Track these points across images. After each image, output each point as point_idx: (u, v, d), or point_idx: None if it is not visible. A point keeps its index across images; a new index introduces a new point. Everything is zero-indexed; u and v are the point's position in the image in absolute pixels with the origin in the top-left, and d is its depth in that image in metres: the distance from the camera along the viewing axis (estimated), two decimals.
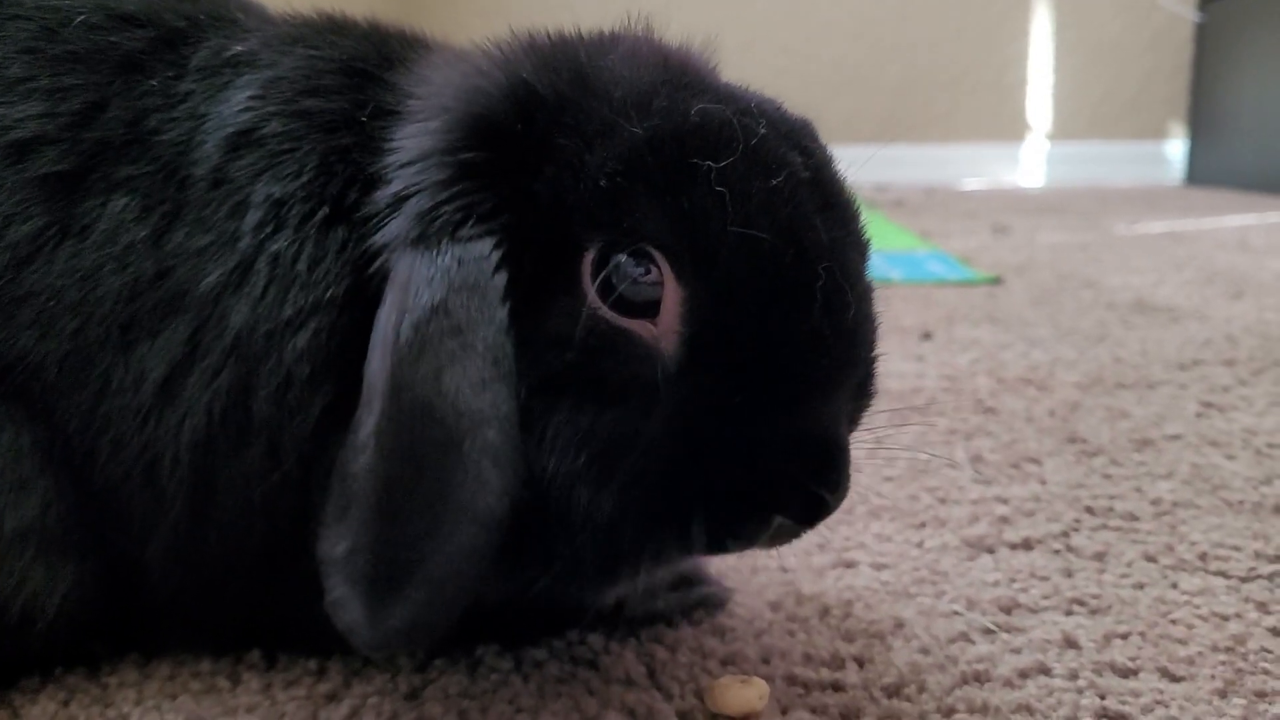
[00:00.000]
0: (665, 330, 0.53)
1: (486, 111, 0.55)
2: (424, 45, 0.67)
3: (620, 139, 0.53)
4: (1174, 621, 0.72)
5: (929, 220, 3.37)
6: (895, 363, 1.47)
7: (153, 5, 0.64)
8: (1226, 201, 3.93)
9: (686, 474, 0.53)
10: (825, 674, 0.66)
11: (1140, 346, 1.55)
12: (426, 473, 0.50)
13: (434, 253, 0.52)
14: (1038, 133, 5.19)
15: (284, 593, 0.63)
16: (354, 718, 0.62)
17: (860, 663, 0.68)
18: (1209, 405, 1.24)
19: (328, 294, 0.56)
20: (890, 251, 2.58)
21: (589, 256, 0.53)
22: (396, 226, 0.54)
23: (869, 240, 0.61)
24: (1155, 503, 0.94)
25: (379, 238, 0.55)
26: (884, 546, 0.86)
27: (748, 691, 0.62)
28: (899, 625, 0.72)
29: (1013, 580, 0.79)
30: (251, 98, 0.60)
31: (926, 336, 1.64)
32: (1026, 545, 0.86)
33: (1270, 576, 0.79)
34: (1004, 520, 0.90)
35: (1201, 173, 4.76)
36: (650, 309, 0.53)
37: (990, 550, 0.85)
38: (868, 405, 0.62)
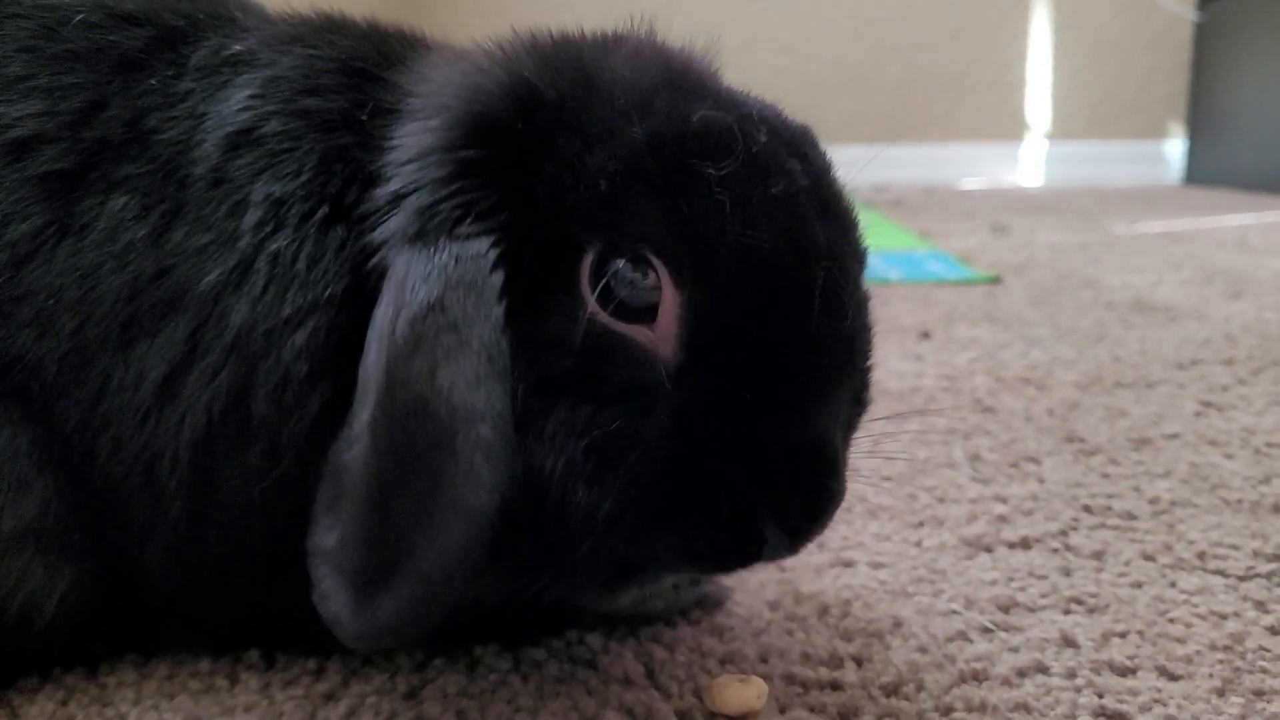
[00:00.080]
0: (663, 335, 0.53)
1: (487, 110, 0.55)
2: (423, 44, 0.67)
3: (621, 141, 0.53)
4: (1172, 620, 0.72)
5: (928, 220, 3.37)
6: (894, 362, 1.47)
7: (152, 4, 0.64)
8: (1225, 201, 3.93)
9: (683, 477, 0.53)
10: (823, 673, 0.66)
11: (1139, 346, 1.55)
12: (419, 467, 0.50)
13: (431, 249, 0.52)
14: (1037, 132, 5.19)
15: (283, 592, 0.63)
16: (352, 717, 0.62)
17: (858, 661, 0.68)
18: (1207, 404, 1.24)
19: (326, 292, 0.56)
20: (889, 251, 2.58)
21: (588, 259, 0.53)
22: (395, 223, 0.54)
23: (866, 248, 0.62)
24: (1153, 502, 0.94)
25: (377, 234, 0.55)
26: (882, 546, 0.86)
27: (746, 690, 0.62)
28: (897, 624, 0.72)
29: (1011, 579, 0.79)
30: (251, 97, 0.60)
31: (925, 336, 1.64)
32: (1025, 544, 0.86)
33: (1268, 575, 0.79)
34: (1002, 519, 0.90)
35: (1201, 172, 4.76)
36: (648, 313, 0.53)
37: (988, 549, 0.85)
38: (863, 413, 0.62)
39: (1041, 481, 1.00)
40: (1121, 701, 0.62)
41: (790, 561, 0.82)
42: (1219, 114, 4.57)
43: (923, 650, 0.69)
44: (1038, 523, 0.90)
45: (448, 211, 0.53)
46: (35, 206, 0.58)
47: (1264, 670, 0.66)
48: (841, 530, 0.88)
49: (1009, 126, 5.19)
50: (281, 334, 0.56)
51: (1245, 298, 1.91)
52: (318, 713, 0.62)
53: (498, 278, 0.52)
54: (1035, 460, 1.05)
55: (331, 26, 0.66)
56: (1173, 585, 0.78)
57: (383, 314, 0.52)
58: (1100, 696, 0.63)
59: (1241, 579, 0.79)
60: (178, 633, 0.68)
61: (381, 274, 0.54)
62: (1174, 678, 0.65)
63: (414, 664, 0.68)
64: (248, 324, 0.56)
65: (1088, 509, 0.93)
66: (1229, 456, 1.05)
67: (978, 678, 0.65)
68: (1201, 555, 0.83)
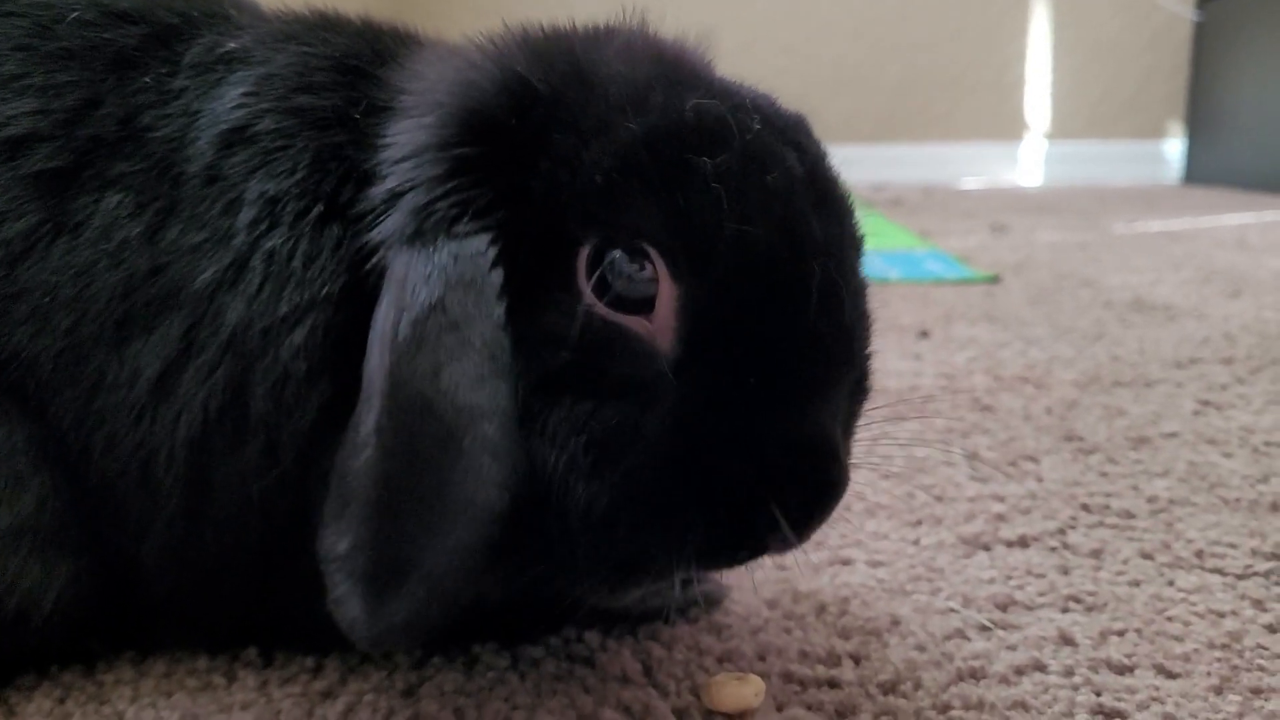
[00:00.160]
0: (661, 327, 0.53)
1: (481, 106, 0.55)
2: (416, 41, 0.67)
3: (615, 135, 0.53)
4: (1170, 619, 0.72)
5: (927, 219, 3.37)
6: (893, 361, 1.47)
7: (146, 2, 0.64)
8: (1224, 200, 3.93)
9: (683, 468, 0.53)
10: (821, 671, 0.66)
11: (1138, 345, 1.55)
12: (426, 469, 0.50)
13: (430, 249, 0.52)
14: (1036, 132, 5.19)
15: (281, 590, 0.63)
16: (350, 715, 0.62)
17: (856, 660, 0.68)
18: (1206, 403, 1.24)
19: (323, 291, 0.56)
20: (889, 250, 2.58)
21: (584, 253, 0.53)
22: (392, 223, 0.54)
23: (863, 236, 0.62)
24: (1152, 500, 0.94)
25: (375, 234, 0.54)
26: (880, 544, 0.86)
27: (744, 689, 0.62)
28: (895, 622, 0.72)
29: (1009, 578, 0.79)
30: (245, 94, 0.60)
31: (924, 335, 1.64)
32: (1023, 543, 0.85)
33: (1266, 574, 0.79)
34: (1000, 518, 0.90)
35: (1200, 172, 4.76)
36: (645, 305, 0.53)
37: (986, 548, 0.85)
38: (863, 402, 0.62)
39: (1040, 480, 1.00)
40: (1119, 700, 0.62)
41: (788, 559, 0.82)
42: (1218, 113, 4.57)
43: (920, 648, 0.69)
44: (1036, 521, 0.90)
45: (444, 210, 0.53)
46: (30, 205, 0.58)
47: (1262, 668, 0.66)
48: (840, 528, 0.88)
49: (1008, 126, 5.19)
50: (279, 332, 0.56)
51: (1244, 297, 1.91)
52: (315, 710, 0.62)
53: (497, 275, 0.52)
54: (1034, 459, 1.05)
55: (326, 24, 0.66)
56: (1171, 584, 0.78)
57: (384, 316, 0.52)
58: (1098, 694, 0.63)
59: (1239, 577, 0.79)
60: (175, 630, 0.68)
61: (380, 274, 0.54)
62: (1172, 676, 0.65)
63: (412, 662, 0.68)
64: (244, 322, 0.56)
65: (1086, 507, 0.93)
66: (1227, 455, 1.05)
67: (975, 676, 0.65)
68: (1199, 554, 0.83)
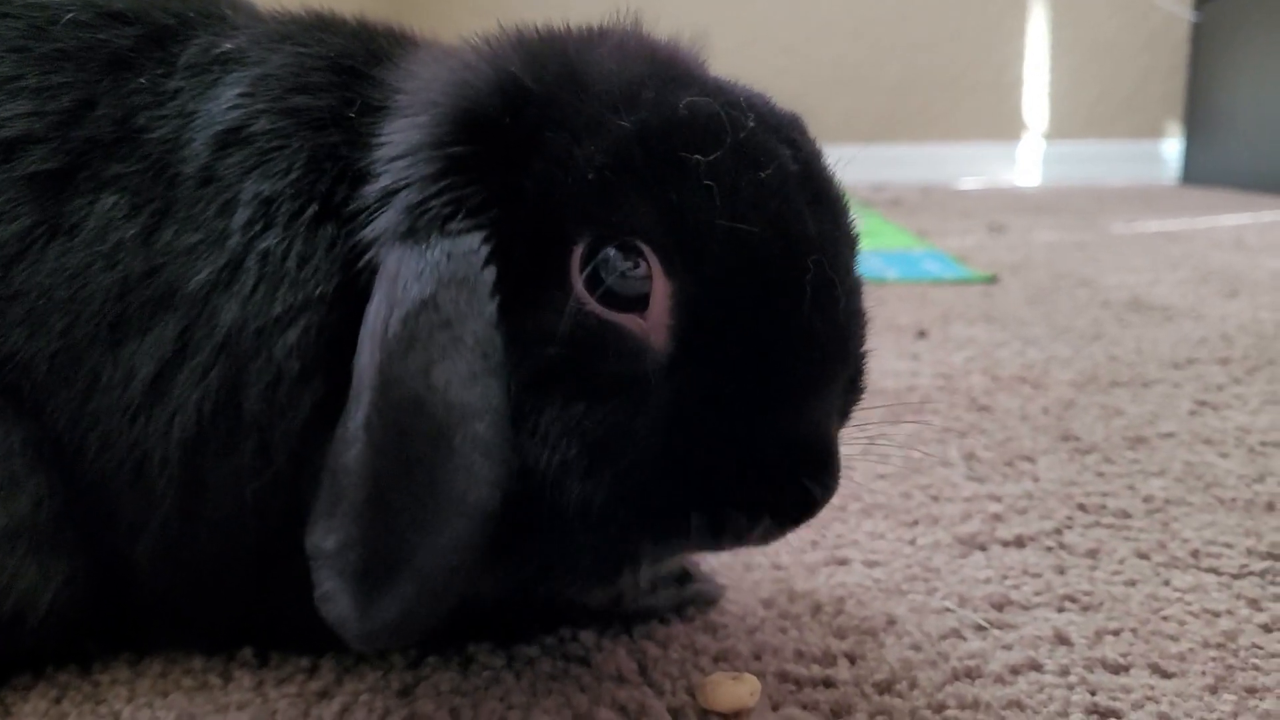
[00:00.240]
0: (654, 324, 0.53)
1: (474, 106, 0.55)
2: (411, 42, 0.67)
3: (608, 133, 0.53)
4: (1165, 618, 0.72)
5: (925, 219, 3.37)
6: (890, 361, 1.47)
7: (141, 3, 0.64)
8: (1222, 200, 3.93)
9: (677, 466, 0.53)
10: (817, 670, 0.66)
11: (1135, 345, 1.55)
12: (416, 466, 0.50)
13: (423, 246, 0.52)
14: (1034, 132, 5.19)
15: (276, 591, 0.63)
16: (346, 715, 0.62)
17: (852, 659, 0.68)
18: (1203, 403, 1.24)
19: (317, 291, 0.56)
20: (886, 250, 2.58)
21: (578, 250, 0.53)
22: (385, 220, 0.54)
23: (858, 234, 0.62)
24: (1148, 500, 0.94)
25: (368, 232, 0.55)
26: (876, 544, 0.86)
27: (739, 688, 0.62)
28: (891, 622, 0.72)
29: (1005, 577, 0.79)
30: (240, 95, 0.60)
31: (922, 335, 1.65)
32: (1019, 542, 0.86)
33: (1262, 573, 0.79)
34: (996, 518, 0.90)
35: (1197, 172, 4.77)
36: (639, 303, 0.53)
37: (982, 547, 0.85)
38: (858, 400, 0.62)
39: (1036, 480, 1.00)
40: (1114, 699, 0.62)
41: (784, 559, 0.82)
42: (1216, 114, 4.58)
43: (916, 648, 0.69)
44: (1032, 521, 0.90)
45: (438, 208, 0.53)
46: (24, 207, 0.58)
47: (1257, 668, 0.66)
48: (836, 528, 0.88)
49: (1006, 126, 5.19)
50: (272, 332, 0.56)
51: (1241, 297, 1.92)
52: (311, 710, 0.62)
53: (490, 273, 0.52)
54: (1030, 459, 1.05)
55: (321, 25, 0.66)
56: (1166, 583, 0.78)
57: (375, 312, 0.52)
58: (1093, 694, 0.63)
59: (1235, 577, 0.79)
60: (170, 631, 0.68)
61: (373, 271, 0.54)
62: (1167, 675, 0.65)
63: (407, 661, 0.68)
64: (238, 323, 0.56)
65: (1082, 507, 0.93)
66: (1224, 455, 1.05)
67: (971, 675, 0.65)
68: (1195, 553, 0.83)
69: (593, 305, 0.53)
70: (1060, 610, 0.74)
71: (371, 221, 0.55)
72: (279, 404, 0.56)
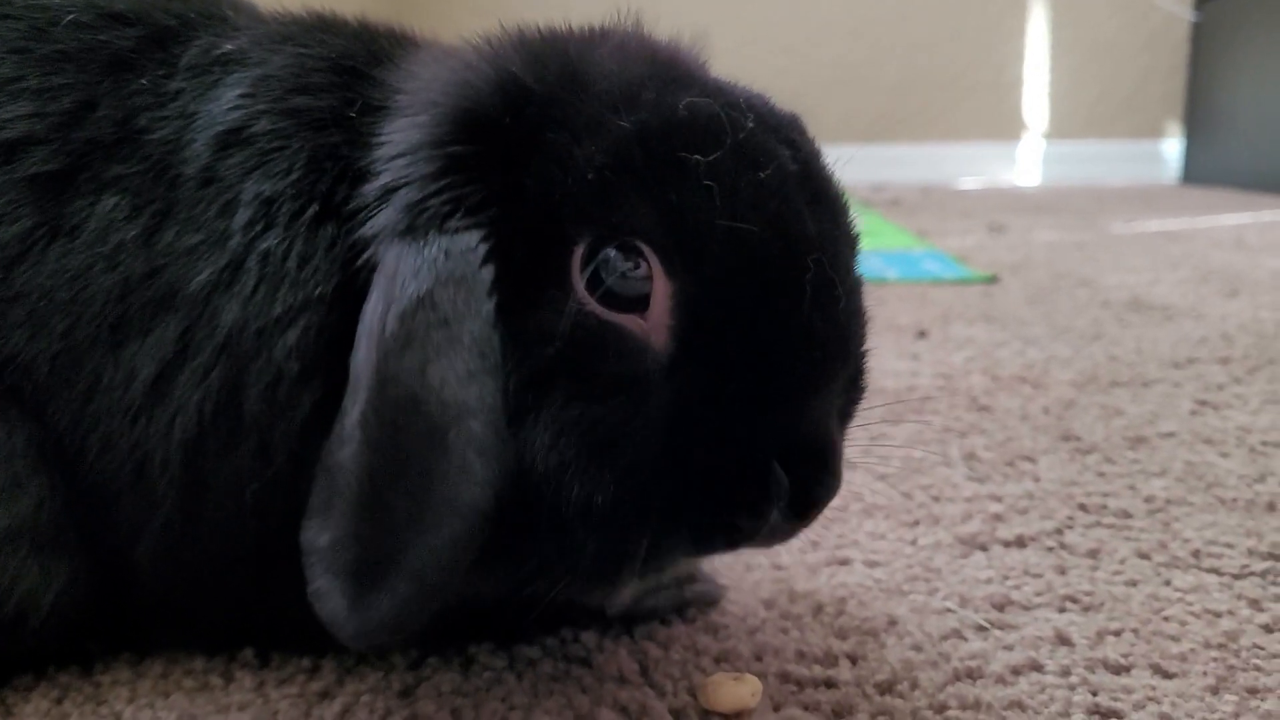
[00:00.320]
0: (655, 324, 0.53)
1: (475, 105, 0.55)
2: (412, 42, 0.67)
3: (609, 133, 0.53)
4: (1167, 618, 0.72)
5: (925, 219, 3.37)
6: (890, 361, 1.47)
7: (143, 4, 0.64)
8: (1222, 200, 3.93)
9: (678, 467, 0.53)
10: (818, 671, 0.66)
11: (1135, 345, 1.55)
12: (411, 464, 0.50)
13: (421, 244, 0.52)
14: (1034, 132, 5.19)
15: (277, 591, 0.63)
16: (347, 715, 0.62)
17: (853, 660, 0.68)
18: (1203, 403, 1.24)
19: (317, 291, 0.56)
20: (886, 250, 2.58)
21: (578, 251, 0.53)
22: (384, 218, 0.54)
23: (858, 234, 0.62)
24: (1149, 500, 0.94)
25: (367, 229, 0.55)
26: (877, 544, 0.86)
27: (741, 689, 0.62)
28: (892, 622, 0.72)
29: (1006, 577, 0.79)
30: (241, 96, 0.60)
31: (922, 335, 1.65)
32: (1020, 543, 0.86)
33: (1263, 574, 0.79)
34: (997, 518, 0.90)
35: (1197, 171, 4.77)
36: (639, 303, 0.53)
37: (983, 548, 0.85)
38: (859, 399, 0.62)
39: (1037, 480, 1.00)
40: (1116, 700, 0.62)
41: (785, 560, 0.82)
42: (1216, 113, 4.58)
43: (917, 648, 0.69)
44: (1033, 521, 0.90)
45: (437, 206, 0.53)
46: (25, 208, 0.58)
47: (1258, 668, 0.66)
48: (837, 529, 0.88)
49: (1006, 126, 5.19)
50: (273, 333, 0.56)
51: (1241, 297, 1.92)
52: (312, 711, 0.62)
53: (488, 272, 0.52)
54: (1031, 459, 1.05)
55: (322, 25, 0.66)
56: (1167, 584, 0.78)
57: (372, 310, 0.52)
58: (1094, 694, 0.63)
59: (1236, 577, 0.79)
60: (171, 631, 0.68)
61: (372, 270, 0.54)
62: (1168, 676, 0.65)
63: (408, 662, 0.68)
64: (239, 323, 0.56)
65: (1083, 507, 0.93)
66: (1224, 455, 1.05)
67: (972, 676, 0.65)
68: (1196, 554, 0.83)
69: (593, 306, 0.53)
70: (1061, 610, 0.74)
71: (370, 220, 0.55)
72: (279, 404, 0.56)
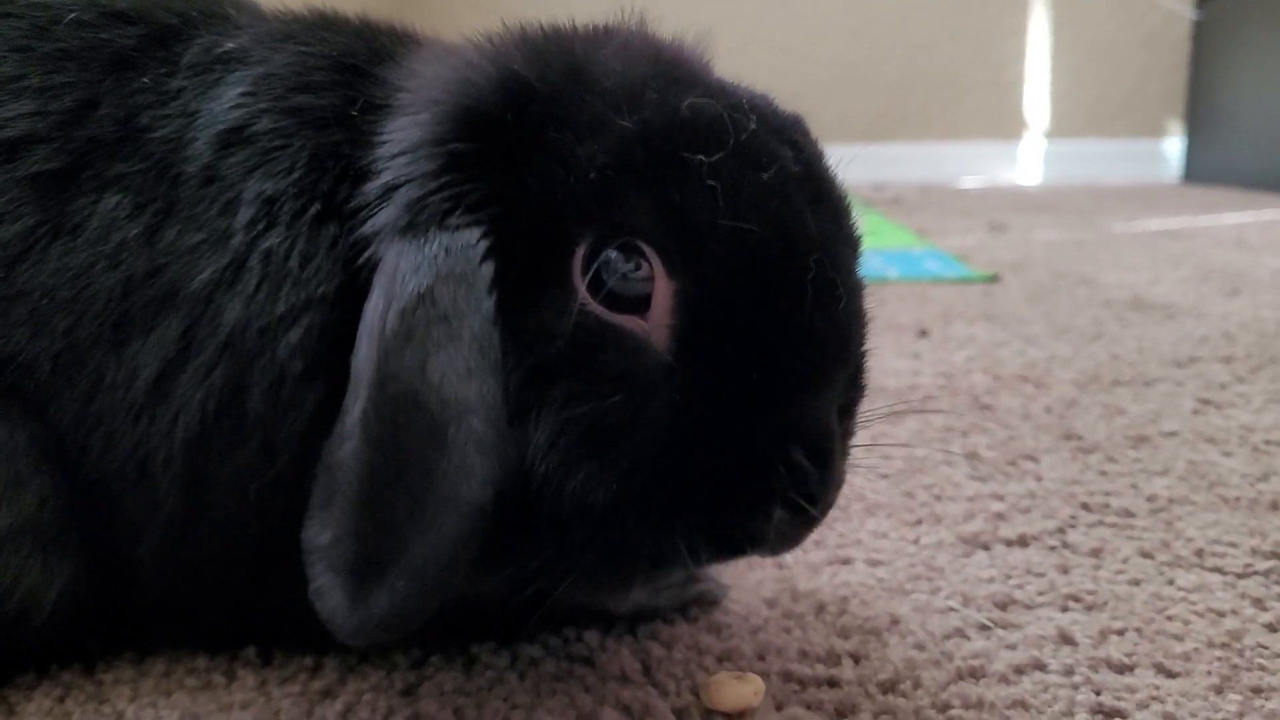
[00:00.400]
0: (656, 324, 0.53)
1: (476, 103, 0.55)
2: (415, 40, 0.67)
3: (611, 132, 0.53)
4: (1170, 618, 0.72)
5: (926, 218, 3.37)
6: (891, 360, 1.47)
7: (144, 2, 0.64)
8: (1223, 199, 3.93)
9: (679, 467, 0.53)
10: (821, 670, 0.66)
11: (1137, 344, 1.55)
12: (411, 461, 0.50)
13: (421, 241, 0.52)
14: (1035, 131, 5.19)
15: (279, 589, 0.63)
16: (349, 714, 0.62)
17: (856, 659, 0.68)
18: (1206, 402, 1.24)
19: (319, 290, 0.56)
20: (887, 249, 2.58)
21: (579, 251, 0.53)
22: (385, 215, 0.54)
23: (860, 235, 0.62)
24: (1151, 499, 0.94)
25: (368, 227, 0.55)
26: (880, 543, 0.86)
27: (743, 688, 0.62)
28: (894, 622, 0.72)
29: (1008, 577, 0.79)
30: (243, 94, 0.60)
31: (923, 334, 1.64)
32: (1022, 542, 0.85)
33: (1266, 573, 0.79)
34: (1000, 517, 0.90)
35: (1198, 170, 4.77)
36: (641, 303, 0.53)
37: (986, 547, 0.85)
38: (859, 399, 0.62)
39: (1039, 479, 1.00)
40: (1119, 699, 0.62)
41: (788, 558, 0.82)
42: (1217, 112, 4.57)
43: (920, 648, 0.69)
44: (1035, 520, 0.90)
45: (437, 204, 0.53)
46: (27, 206, 0.58)
47: (1262, 667, 0.66)
48: (839, 528, 0.88)
49: (1007, 125, 5.19)
50: (276, 332, 0.56)
51: (1243, 295, 1.92)
52: (315, 710, 0.62)
53: (488, 269, 0.52)
54: (1033, 458, 1.05)
55: (324, 23, 0.66)
56: (1170, 583, 0.78)
57: (373, 307, 0.52)
58: (1098, 694, 0.63)
59: (1239, 576, 0.79)
60: (174, 630, 0.68)
61: (373, 268, 0.54)
62: (1172, 675, 0.65)
63: (411, 661, 0.68)
64: (241, 322, 0.56)
65: (1085, 506, 0.93)
66: (1227, 454, 1.05)
67: (975, 675, 0.65)
68: (1199, 553, 0.83)
69: (594, 306, 0.53)
70: (1064, 610, 0.74)
71: (372, 217, 0.54)
72: (282, 403, 0.56)
